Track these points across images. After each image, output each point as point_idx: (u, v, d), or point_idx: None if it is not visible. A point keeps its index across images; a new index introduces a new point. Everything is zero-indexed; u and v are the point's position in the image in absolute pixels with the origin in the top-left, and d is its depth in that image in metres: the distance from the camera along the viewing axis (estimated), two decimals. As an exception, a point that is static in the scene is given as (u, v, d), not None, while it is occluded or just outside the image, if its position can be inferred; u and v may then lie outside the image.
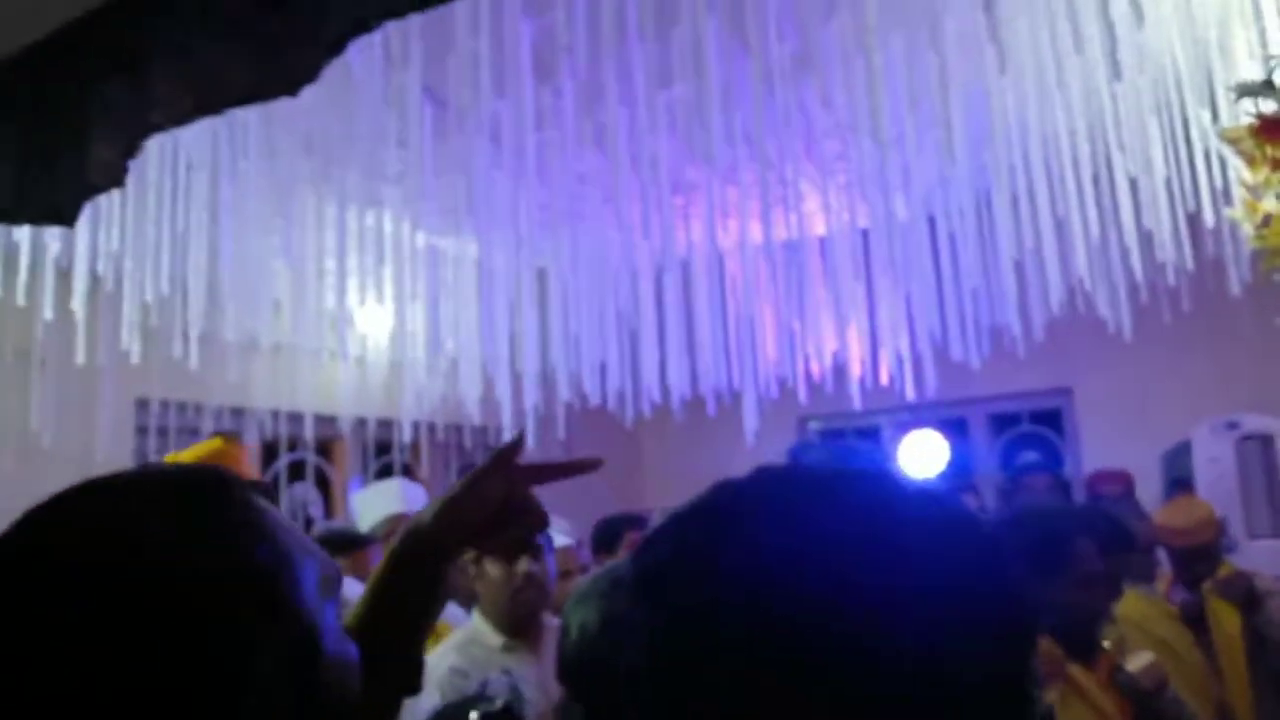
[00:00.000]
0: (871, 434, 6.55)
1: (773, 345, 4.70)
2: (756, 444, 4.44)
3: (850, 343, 4.76)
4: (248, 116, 2.55)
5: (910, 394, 4.52)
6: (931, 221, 3.89)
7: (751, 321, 4.24)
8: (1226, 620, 3.39)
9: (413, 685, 0.94)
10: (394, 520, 3.06)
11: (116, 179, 1.38)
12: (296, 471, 5.27)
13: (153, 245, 2.97)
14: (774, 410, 5.13)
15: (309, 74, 1.16)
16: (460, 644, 2.28)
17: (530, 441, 4.63)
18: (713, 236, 3.30)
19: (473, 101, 2.32)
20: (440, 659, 2.19)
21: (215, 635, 0.65)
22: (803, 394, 4.90)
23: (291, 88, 1.17)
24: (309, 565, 0.72)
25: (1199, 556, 3.39)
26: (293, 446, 5.10)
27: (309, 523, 5.22)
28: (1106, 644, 2.19)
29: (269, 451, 5.11)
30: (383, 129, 2.56)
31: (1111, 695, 2.13)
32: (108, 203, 2.83)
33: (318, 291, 3.77)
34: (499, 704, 1.71)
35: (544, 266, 4.05)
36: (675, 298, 4.18)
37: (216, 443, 2.13)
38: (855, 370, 4.86)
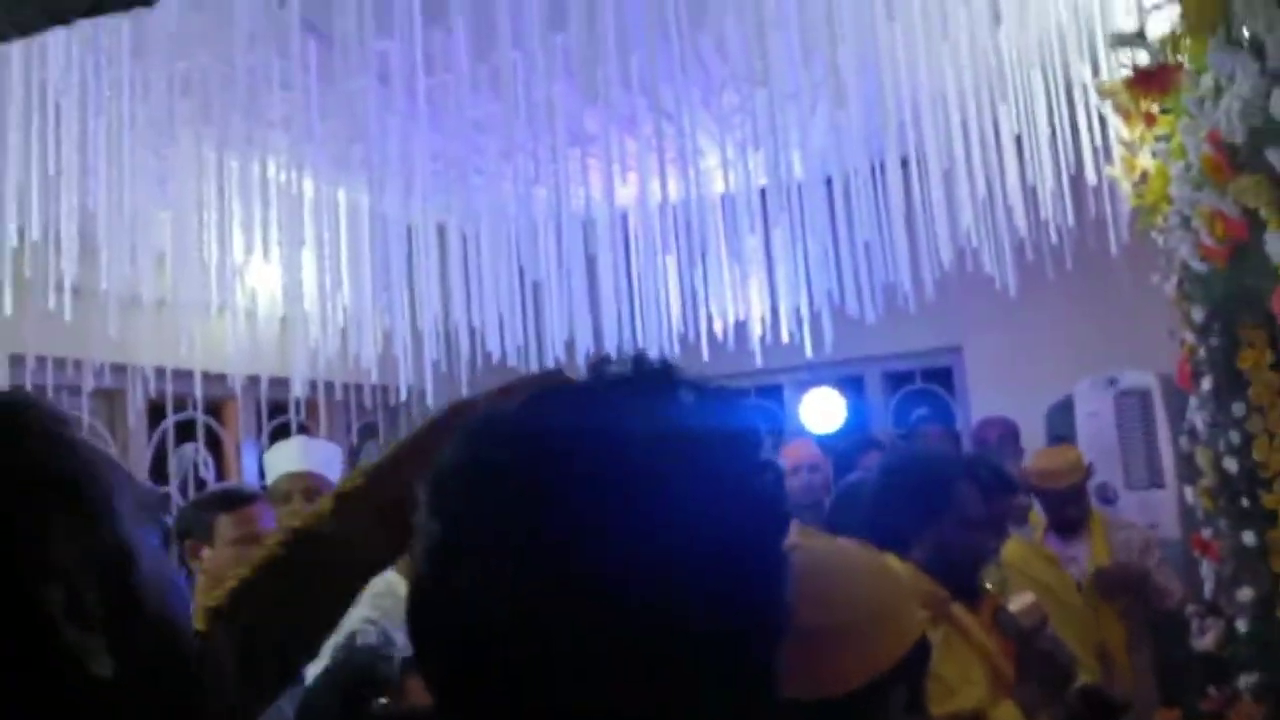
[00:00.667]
0: (773, 392, 6.67)
1: (676, 302, 4.71)
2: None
3: (751, 301, 4.81)
4: (117, 49, 2.40)
5: (809, 352, 4.60)
6: (829, 181, 3.94)
7: (654, 278, 4.25)
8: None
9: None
10: (294, 478, 3.00)
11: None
12: (186, 432, 5.08)
13: (16, 188, 2.79)
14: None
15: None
16: (375, 594, 2.27)
17: (427, 399, 4.59)
18: (611, 191, 3.28)
19: (359, 39, 2.24)
20: (356, 609, 2.17)
21: (16, 521, 0.68)
22: (705, 351, 4.94)
23: (145, -1, 1.10)
24: (120, 485, 0.75)
25: (1068, 500, 3.56)
26: (181, 406, 4.92)
27: (201, 484, 5.06)
28: (989, 585, 2.29)
29: (155, 411, 4.92)
30: (264, 69, 2.45)
31: (994, 635, 2.22)
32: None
33: (203, 243, 3.60)
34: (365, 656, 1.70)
35: (442, 220, 3.96)
36: (576, 253, 4.15)
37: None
38: (756, 329, 4.92)
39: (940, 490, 2.17)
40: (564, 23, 2.32)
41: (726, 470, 0.63)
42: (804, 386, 6.39)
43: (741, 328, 4.92)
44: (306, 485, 2.95)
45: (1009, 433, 4.38)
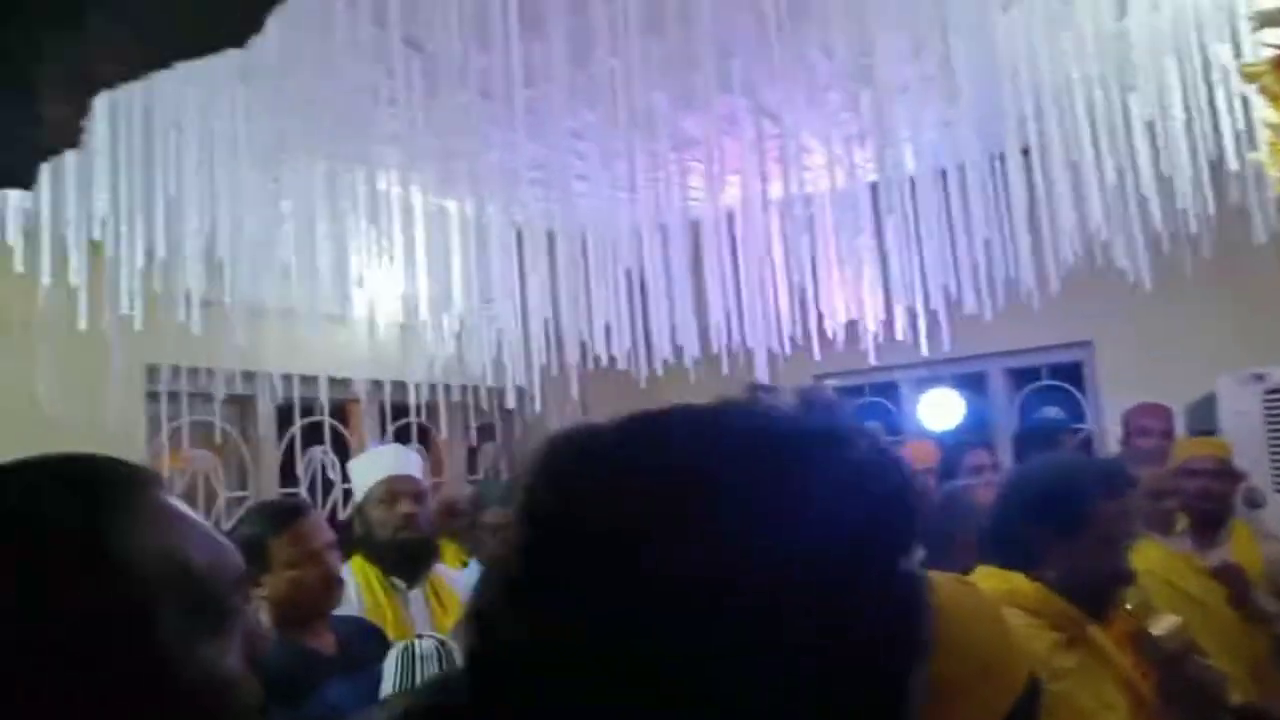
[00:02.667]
0: (889, 390, 6.49)
1: (785, 301, 4.62)
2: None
3: (864, 299, 4.68)
4: (219, 76, 2.48)
5: (924, 350, 4.45)
6: (943, 174, 3.78)
7: (761, 278, 4.17)
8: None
9: None
10: (400, 481, 3.06)
11: (72, 139, 1.33)
12: (313, 435, 5.29)
13: (144, 209, 2.94)
14: (789, 368, 5.09)
15: (254, 24, 1.10)
16: None
17: (543, 403, 4.65)
18: (715, 192, 3.22)
19: (457, 54, 2.25)
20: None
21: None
22: (816, 351, 4.84)
23: (238, 39, 1.11)
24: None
25: (1213, 488, 3.36)
26: (308, 411, 5.12)
27: (329, 485, 5.26)
28: (1129, 606, 2.13)
29: (284, 416, 5.14)
30: (369, 85, 2.50)
31: (1133, 658, 2.07)
32: (99, 168, 2.81)
33: (323, 255, 3.74)
34: None
35: (551, 228, 4.00)
36: (682, 256, 4.12)
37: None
38: (870, 327, 4.79)
39: (1077, 508, 2.03)
40: (662, 28, 2.29)
41: (840, 471, 0.62)
42: (921, 385, 6.19)
43: (854, 326, 4.80)
44: (415, 489, 3.01)
45: (1168, 428, 4.09)
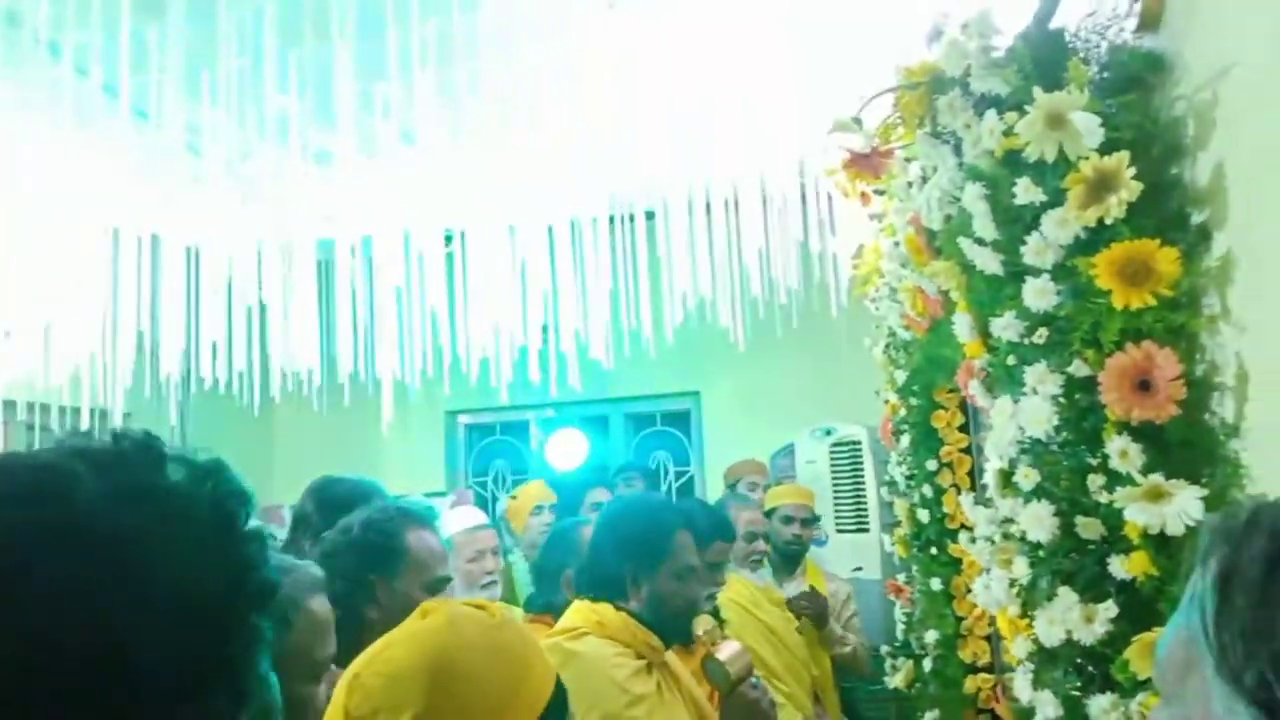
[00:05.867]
0: (519, 429, 6.61)
1: (418, 335, 4.55)
2: (401, 437, 4.30)
3: (501, 339, 4.74)
4: None
5: (554, 392, 4.60)
6: (574, 226, 3.98)
7: (394, 310, 4.07)
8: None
9: None
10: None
11: None
12: None
13: None
14: (421, 403, 5.00)
15: None
16: None
17: (125, 423, 4.12)
18: (350, 215, 3.10)
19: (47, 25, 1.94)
20: None
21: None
22: (447, 386, 4.81)
23: None
24: None
25: (803, 530, 3.87)
26: None
27: None
28: (701, 632, 2.32)
29: None
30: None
31: (705, 682, 2.25)
32: None
33: None
34: None
35: (156, 233, 3.58)
36: (310, 278, 3.90)
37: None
38: (505, 367, 4.85)
39: (660, 541, 2.18)
40: (301, 37, 2.15)
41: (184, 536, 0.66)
42: (550, 425, 6.39)
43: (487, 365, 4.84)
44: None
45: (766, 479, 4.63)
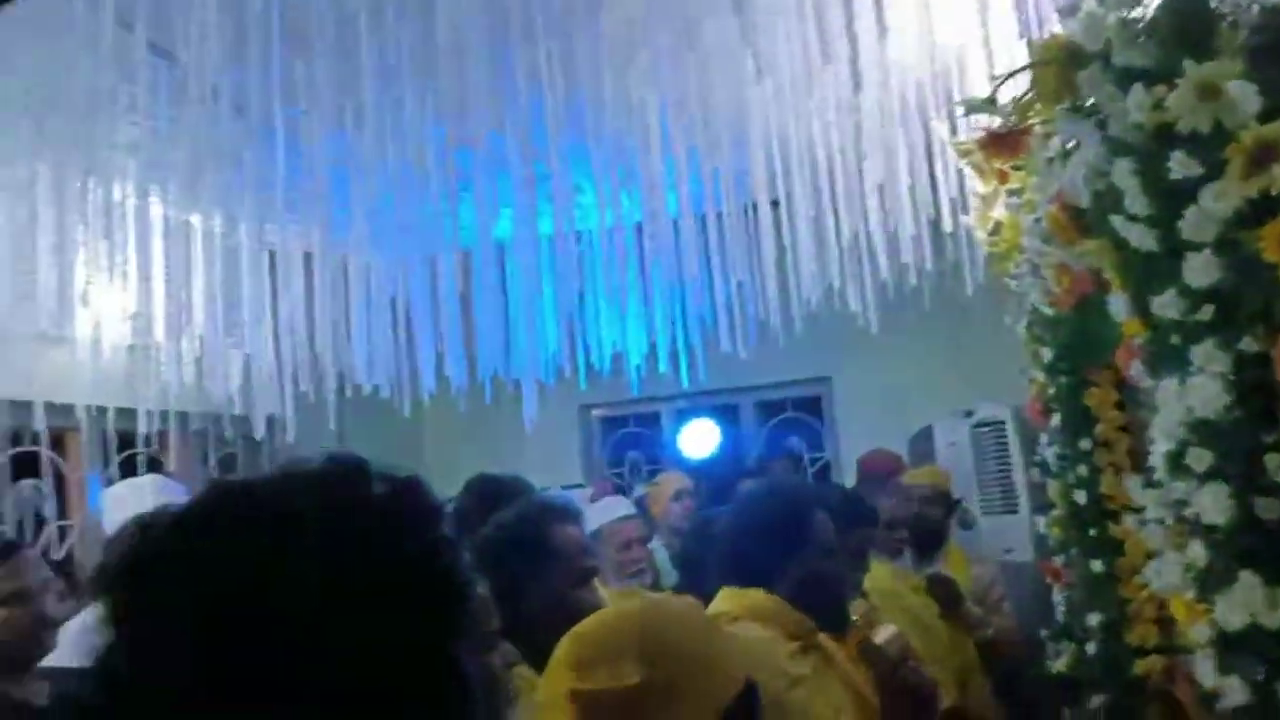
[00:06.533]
0: (651, 420, 6.72)
1: (552, 334, 4.69)
2: (539, 432, 4.46)
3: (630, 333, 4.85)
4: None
5: (685, 382, 4.67)
6: (702, 220, 4.03)
7: (529, 310, 4.21)
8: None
9: None
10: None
11: None
12: (24, 467, 4.71)
13: None
14: (556, 399, 5.15)
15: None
16: None
17: (296, 433, 4.41)
18: (485, 226, 3.23)
19: (208, 65, 2.11)
20: None
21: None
22: (582, 381, 4.95)
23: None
24: None
25: (932, 511, 3.77)
26: (18, 440, 4.56)
27: (40, 522, 4.70)
28: (856, 617, 2.32)
29: (-12, 445, 4.55)
30: (110, 90, 2.28)
31: (860, 666, 2.26)
32: None
33: (43, 268, 3.35)
34: None
35: (309, 249, 3.81)
36: (453, 285, 4.08)
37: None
38: (634, 359, 4.96)
39: (797, 522, 2.20)
40: (433, 69, 2.26)
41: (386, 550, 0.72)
42: (681, 415, 6.47)
43: (619, 359, 4.96)
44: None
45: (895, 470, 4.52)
